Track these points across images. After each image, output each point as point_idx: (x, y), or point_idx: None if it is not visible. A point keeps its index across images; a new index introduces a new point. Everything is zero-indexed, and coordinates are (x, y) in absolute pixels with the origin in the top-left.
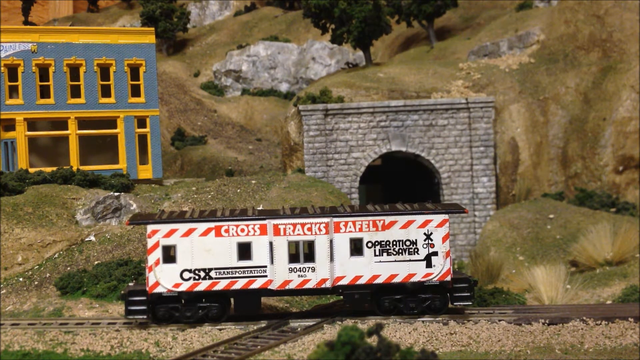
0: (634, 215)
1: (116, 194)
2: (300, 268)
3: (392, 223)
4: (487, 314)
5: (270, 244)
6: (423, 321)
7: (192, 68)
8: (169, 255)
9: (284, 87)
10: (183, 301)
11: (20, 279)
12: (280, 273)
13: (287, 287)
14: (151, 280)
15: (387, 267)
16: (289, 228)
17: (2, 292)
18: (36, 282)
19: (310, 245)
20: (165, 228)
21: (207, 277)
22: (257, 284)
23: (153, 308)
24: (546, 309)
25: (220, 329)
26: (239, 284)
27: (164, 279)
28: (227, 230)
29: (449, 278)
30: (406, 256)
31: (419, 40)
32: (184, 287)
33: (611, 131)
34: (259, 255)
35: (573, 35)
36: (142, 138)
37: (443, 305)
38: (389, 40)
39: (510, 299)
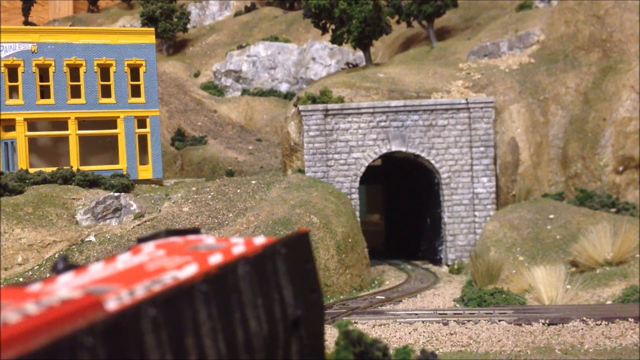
0: (634, 215)
1: (116, 194)
2: None
3: None
4: (487, 314)
5: None
6: (423, 321)
7: (192, 68)
8: None
9: (284, 87)
10: None
11: (21, 279)
12: None
13: None
14: None
15: None
16: None
17: None
18: None
19: None
20: None
21: None
22: None
23: None
24: (546, 309)
25: None
26: None
27: None
28: None
29: None
30: None
31: (419, 41)
32: None
33: (611, 131)
34: None
35: (573, 36)
36: (142, 138)
37: None
38: (389, 40)
39: (510, 299)
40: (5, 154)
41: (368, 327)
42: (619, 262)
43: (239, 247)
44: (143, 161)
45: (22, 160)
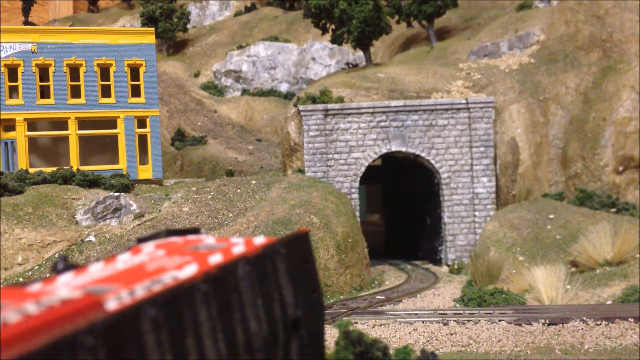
0: (634, 215)
1: (116, 194)
2: None
3: None
4: (487, 314)
5: None
6: (423, 321)
7: (192, 68)
8: None
9: (284, 87)
10: None
11: (21, 280)
12: None
13: None
14: None
15: None
16: None
17: None
18: None
19: None
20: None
21: None
22: None
23: None
24: (546, 309)
25: None
26: None
27: None
28: None
29: None
30: None
31: (419, 41)
32: None
33: (611, 131)
34: None
35: (573, 36)
36: (142, 138)
37: None
38: (389, 40)
39: (510, 299)
40: (5, 154)
41: (368, 327)
42: (619, 262)
43: (239, 247)
44: (143, 161)
45: (22, 160)
